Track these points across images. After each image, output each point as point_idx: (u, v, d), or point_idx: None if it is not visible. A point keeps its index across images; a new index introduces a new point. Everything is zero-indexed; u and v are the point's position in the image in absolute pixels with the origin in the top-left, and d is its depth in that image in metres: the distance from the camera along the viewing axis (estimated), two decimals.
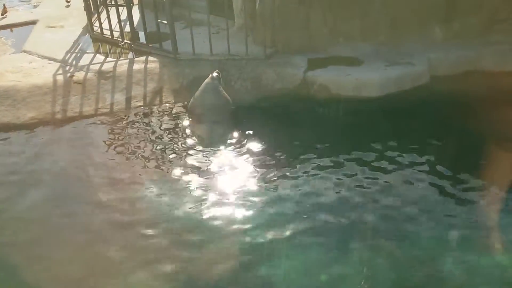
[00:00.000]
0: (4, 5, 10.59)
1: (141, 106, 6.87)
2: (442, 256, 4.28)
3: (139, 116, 6.65)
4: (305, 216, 4.76)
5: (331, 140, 5.93)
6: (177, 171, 5.46)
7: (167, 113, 6.72)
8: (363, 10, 7.61)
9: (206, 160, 5.68)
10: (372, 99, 6.70)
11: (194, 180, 5.31)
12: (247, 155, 5.71)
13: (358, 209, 4.84)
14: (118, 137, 6.20)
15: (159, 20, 7.53)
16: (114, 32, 8.32)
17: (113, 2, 8.35)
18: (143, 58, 7.67)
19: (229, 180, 5.32)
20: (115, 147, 5.99)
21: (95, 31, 8.70)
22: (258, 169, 5.45)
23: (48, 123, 6.47)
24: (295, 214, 4.78)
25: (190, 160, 5.66)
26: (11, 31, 9.54)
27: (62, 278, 4.26)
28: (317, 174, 5.33)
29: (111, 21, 8.24)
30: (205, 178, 5.34)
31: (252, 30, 7.74)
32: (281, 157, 5.65)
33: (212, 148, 5.89)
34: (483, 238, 4.49)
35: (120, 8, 8.31)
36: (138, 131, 6.27)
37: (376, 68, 7.04)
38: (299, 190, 5.12)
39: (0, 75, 7.22)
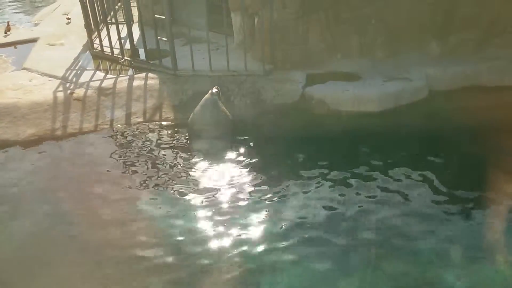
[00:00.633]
0: (8, 22, 10.72)
1: (141, 122, 6.90)
2: (443, 270, 4.26)
3: (139, 132, 6.67)
4: (304, 232, 4.75)
5: (330, 156, 5.95)
6: (176, 187, 5.46)
7: (167, 129, 6.74)
8: (361, 26, 7.70)
9: (205, 176, 5.69)
10: (370, 114, 6.74)
11: (194, 196, 5.31)
12: (246, 171, 5.72)
13: (356, 224, 4.83)
14: (117, 153, 6.20)
15: (159, 37, 7.60)
16: (114, 49, 8.39)
17: (113, 20, 8.43)
18: (143, 74, 7.72)
19: (228, 196, 5.31)
20: (115, 163, 5.99)
21: (95, 49, 8.77)
22: (257, 185, 5.45)
23: (48, 140, 6.48)
24: (295, 230, 4.77)
25: (190, 176, 5.66)
26: (15, 47, 9.61)
27: None
28: (316, 190, 5.33)
29: (111, 39, 8.32)
30: (205, 194, 5.34)
31: (251, 46, 7.82)
32: (280, 173, 5.66)
33: (211, 164, 5.90)
34: (484, 253, 4.48)
35: (120, 26, 8.40)
36: (137, 147, 6.28)
37: (374, 83, 7.09)
38: (298, 206, 5.11)
39: (1, 92, 7.26)
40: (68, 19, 10.76)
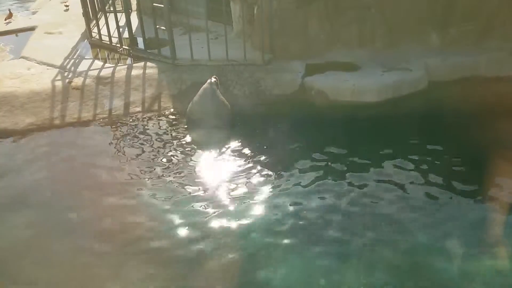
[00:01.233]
0: (9, 10, 10.67)
1: (139, 111, 6.88)
2: (443, 264, 4.27)
3: (138, 121, 6.65)
4: (304, 223, 4.75)
5: (329, 146, 5.94)
6: (175, 176, 5.46)
7: (166, 118, 6.73)
8: (360, 16, 7.66)
9: (204, 165, 5.69)
10: (369, 105, 6.73)
11: (192, 186, 5.31)
12: (245, 161, 5.72)
13: (356, 216, 4.83)
14: (116, 143, 6.20)
15: (157, 26, 7.56)
16: (112, 38, 8.35)
17: (111, 8, 8.38)
18: (142, 64, 7.69)
19: (227, 186, 5.31)
20: (113, 152, 5.99)
21: (94, 37, 8.72)
22: (256, 175, 5.46)
23: (46, 129, 6.47)
24: (295, 221, 4.77)
25: (188, 166, 5.67)
26: (16, 35, 9.56)
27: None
28: (315, 181, 5.33)
29: (109, 27, 8.27)
30: (204, 184, 5.35)
31: (250, 36, 7.78)
32: (279, 163, 5.66)
33: (210, 153, 5.90)
34: (483, 245, 4.49)
35: (119, 14, 8.34)
36: (136, 137, 6.27)
37: (373, 73, 7.08)
38: (297, 196, 5.12)
39: None
40: (66, 6, 10.70)
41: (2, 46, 8.89)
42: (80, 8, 8.85)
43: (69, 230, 4.78)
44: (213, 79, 6.48)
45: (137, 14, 8.19)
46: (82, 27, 9.18)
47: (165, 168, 5.62)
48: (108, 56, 8.35)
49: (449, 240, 4.48)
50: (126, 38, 8.32)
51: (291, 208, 4.94)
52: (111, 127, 6.56)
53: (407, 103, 6.71)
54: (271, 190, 5.22)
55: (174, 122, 6.63)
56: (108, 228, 4.79)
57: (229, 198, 5.11)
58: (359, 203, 4.99)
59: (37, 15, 10.73)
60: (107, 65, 7.81)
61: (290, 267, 4.29)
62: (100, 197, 5.20)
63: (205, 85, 6.46)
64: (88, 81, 7.29)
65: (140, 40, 8.20)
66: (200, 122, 6.33)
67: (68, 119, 6.68)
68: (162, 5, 7.31)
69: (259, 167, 5.59)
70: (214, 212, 4.92)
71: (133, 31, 8.20)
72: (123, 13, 8.18)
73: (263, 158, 5.76)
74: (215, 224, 4.77)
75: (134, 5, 8.77)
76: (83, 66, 7.73)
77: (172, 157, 5.83)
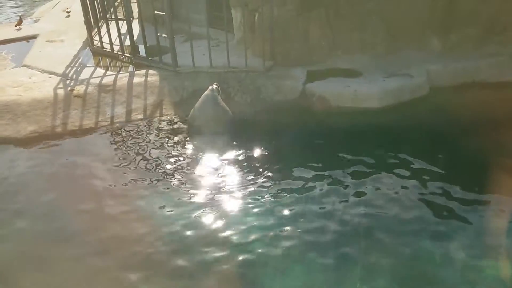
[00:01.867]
0: (20, 16, 10.79)
1: (141, 119, 6.89)
2: (445, 269, 4.26)
3: (140, 128, 6.66)
4: (305, 230, 4.73)
5: (330, 152, 5.94)
6: (177, 183, 5.46)
7: (168, 125, 6.74)
8: (361, 23, 7.68)
9: (206, 172, 5.69)
10: (371, 111, 6.73)
11: (194, 192, 5.31)
12: (247, 167, 5.72)
13: (357, 223, 4.81)
14: (118, 150, 6.20)
15: (159, 34, 7.58)
16: (114, 46, 8.37)
17: (113, 16, 8.42)
18: (143, 71, 7.71)
19: (228, 192, 5.31)
20: (115, 159, 5.99)
21: (95, 45, 8.75)
22: (257, 181, 5.45)
23: (48, 137, 6.48)
24: (296, 229, 4.76)
25: (190, 172, 5.67)
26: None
27: None
28: (317, 188, 5.32)
29: (111, 35, 8.30)
30: (205, 190, 5.35)
31: (252, 43, 7.80)
32: (281, 170, 5.65)
33: (212, 160, 5.90)
34: (486, 250, 4.48)
35: (120, 22, 8.38)
36: (138, 144, 6.28)
37: (374, 79, 7.08)
38: (298, 203, 5.11)
39: (1, 90, 7.25)
40: (68, 12, 10.75)
41: (4, 54, 8.92)
42: (81, 16, 8.89)
43: (68, 238, 4.78)
44: (214, 86, 6.50)
45: (138, 21, 8.23)
46: (84, 35, 9.22)
47: (167, 175, 5.62)
48: (109, 64, 8.38)
49: (452, 248, 4.47)
50: (128, 45, 8.35)
51: (292, 216, 4.93)
52: (113, 135, 6.56)
53: (409, 109, 6.70)
54: (272, 195, 5.21)
55: (175, 129, 6.63)
56: (109, 236, 4.78)
57: (230, 204, 5.11)
58: (359, 211, 4.97)
59: (39, 24, 10.77)
60: (109, 72, 7.83)
61: (290, 276, 4.28)
62: (101, 205, 5.20)
63: (206, 92, 6.48)
64: (90, 89, 7.31)
65: (141, 48, 8.21)
66: (201, 129, 6.34)
67: (70, 126, 6.69)
68: (164, 13, 7.34)
69: (259, 174, 5.59)
70: (215, 218, 4.92)
71: (135, 39, 8.23)
72: (125, 21, 8.21)
73: (264, 164, 5.75)
74: (215, 230, 4.77)
75: (135, 13, 8.80)
76: (85, 74, 7.75)
77: (174, 164, 5.83)
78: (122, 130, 6.65)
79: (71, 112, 6.88)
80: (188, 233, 4.75)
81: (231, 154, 6.00)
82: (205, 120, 6.36)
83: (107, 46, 8.47)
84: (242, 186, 5.41)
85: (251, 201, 5.16)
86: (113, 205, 5.19)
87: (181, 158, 5.95)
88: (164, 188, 5.40)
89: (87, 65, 8.15)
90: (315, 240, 4.62)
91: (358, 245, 4.53)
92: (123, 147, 6.26)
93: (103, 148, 6.29)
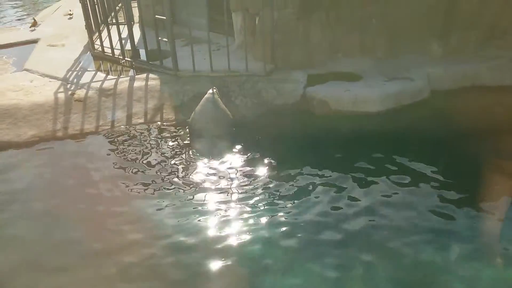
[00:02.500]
0: (34, 18, 10.92)
1: (142, 123, 6.90)
2: (446, 274, 4.25)
3: (140, 133, 6.66)
4: (307, 233, 4.73)
5: (331, 156, 5.94)
6: (177, 187, 5.46)
7: (168, 129, 6.74)
8: (362, 26, 7.69)
9: (206, 175, 5.68)
10: (371, 115, 6.73)
11: (195, 196, 5.31)
12: (247, 171, 5.72)
13: (358, 227, 4.81)
14: (118, 154, 6.20)
15: (159, 38, 7.60)
16: (115, 50, 8.39)
17: (114, 21, 8.44)
18: (144, 75, 7.72)
19: (229, 196, 5.31)
20: (116, 164, 5.99)
21: (96, 49, 8.77)
22: (258, 185, 5.45)
23: (49, 141, 6.49)
24: (297, 232, 4.76)
25: (191, 176, 5.66)
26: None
27: None
28: (317, 191, 5.31)
29: (112, 39, 8.32)
30: (206, 194, 5.34)
31: (252, 46, 7.81)
32: (281, 173, 5.65)
33: (212, 163, 5.90)
34: (485, 252, 4.47)
35: (121, 26, 8.40)
36: (139, 148, 6.28)
37: (375, 83, 7.09)
38: (299, 207, 5.10)
39: (1, 94, 7.26)
40: (71, 15, 10.79)
41: (5, 58, 8.94)
42: (82, 20, 8.92)
43: (70, 243, 4.77)
44: (214, 89, 6.52)
45: (139, 26, 8.26)
46: (85, 39, 9.24)
47: (168, 178, 5.62)
48: (110, 68, 8.39)
49: (453, 253, 4.46)
50: (129, 50, 8.36)
51: (291, 220, 4.91)
52: (114, 139, 6.56)
53: (409, 113, 6.70)
54: (272, 200, 5.20)
55: (176, 133, 6.63)
56: (109, 241, 4.78)
57: (230, 208, 5.10)
58: (360, 215, 4.95)
59: (40, 28, 10.79)
60: (109, 77, 7.84)
61: (290, 282, 4.26)
62: (101, 209, 5.20)
63: (207, 95, 6.49)
64: (90, 93, 7.32)
65: (142, 52, 8.23)
66: (202, 132, 6.34)
67: (71, 131, 6.69)
68: (164, 17, 7.36)
69: (260, 177, 5.58)
70: (216, 221, 4.91)
71: (135, 43, 8.24)
72: (126, 25, 8.23)
73: (264, 168, 5.75)
74: (216, 233, 4.76)
75: (136, 17, 8.83)
76: (86, 78, 7.76)
77: (174, 167, 5.83)
78: (123, 134, 6.65)
79: (71, 116, 6.89)
80: (188, 236, 4.74)
81: (232, 158, 6.00)
82: (205, 122, 6.36)
83: (108, 50, 8.49)
84: (242, 189, 5.40)
85: (251, 204, 5.15)
86: (113, 209, 5.18)
87: (181, 162, 5.95)
88: (165, 192, 5.39)
89: (88, 69, 8.16)
90: (315, 245, 4.60)
91: (358, 249, 4.52)
92: (124, 151, 6.26)
93: (104, 152, 6.28)
